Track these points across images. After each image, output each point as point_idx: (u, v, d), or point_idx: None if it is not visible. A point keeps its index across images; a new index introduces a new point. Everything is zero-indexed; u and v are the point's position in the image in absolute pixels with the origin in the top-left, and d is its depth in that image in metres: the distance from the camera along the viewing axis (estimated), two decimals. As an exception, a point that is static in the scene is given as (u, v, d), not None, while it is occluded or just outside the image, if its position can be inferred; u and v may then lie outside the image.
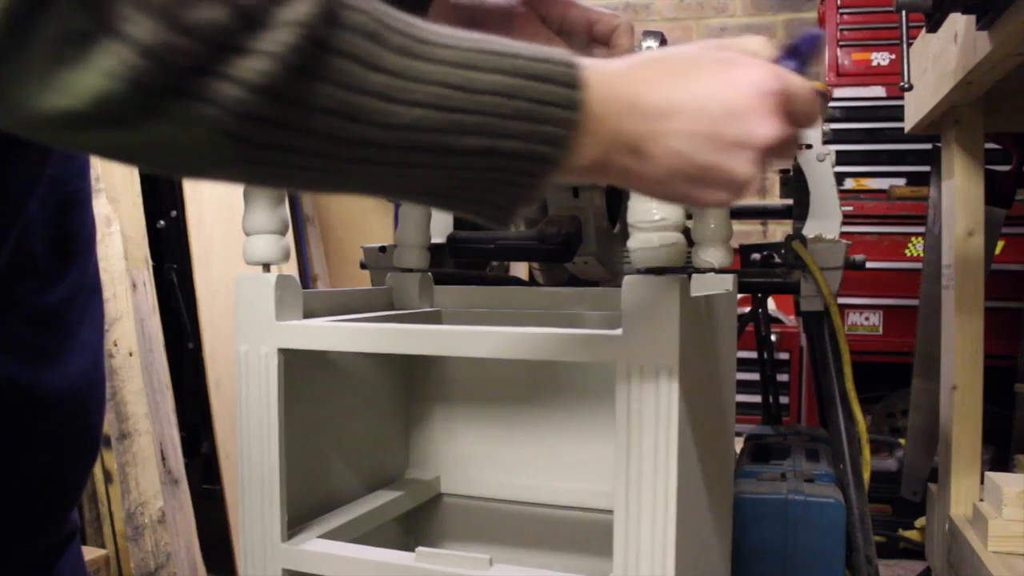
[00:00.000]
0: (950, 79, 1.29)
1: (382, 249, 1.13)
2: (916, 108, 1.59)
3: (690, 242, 0.81)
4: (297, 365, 0.81)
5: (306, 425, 0.84)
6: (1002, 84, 1.28)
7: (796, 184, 1.08)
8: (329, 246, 2.38)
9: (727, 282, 0.87)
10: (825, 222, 1.06)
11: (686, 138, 0.50)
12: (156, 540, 1.58)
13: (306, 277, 2.22)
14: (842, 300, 2.07)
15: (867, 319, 2.29)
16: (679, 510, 0.66)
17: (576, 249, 1.00)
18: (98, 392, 0.81)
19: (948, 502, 1.45)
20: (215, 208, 1.88)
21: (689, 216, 0.82)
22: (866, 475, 1.06)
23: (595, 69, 0.49)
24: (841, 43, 2.45)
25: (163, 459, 1.63)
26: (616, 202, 1.09)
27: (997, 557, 1.24)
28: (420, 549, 0.75)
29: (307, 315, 0.82)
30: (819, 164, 1.07)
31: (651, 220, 0.70)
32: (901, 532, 1.97)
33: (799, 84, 0.53)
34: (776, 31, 3.13)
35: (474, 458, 1.03)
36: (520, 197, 0.50)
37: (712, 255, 0.87)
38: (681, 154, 0.50)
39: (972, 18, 1.09)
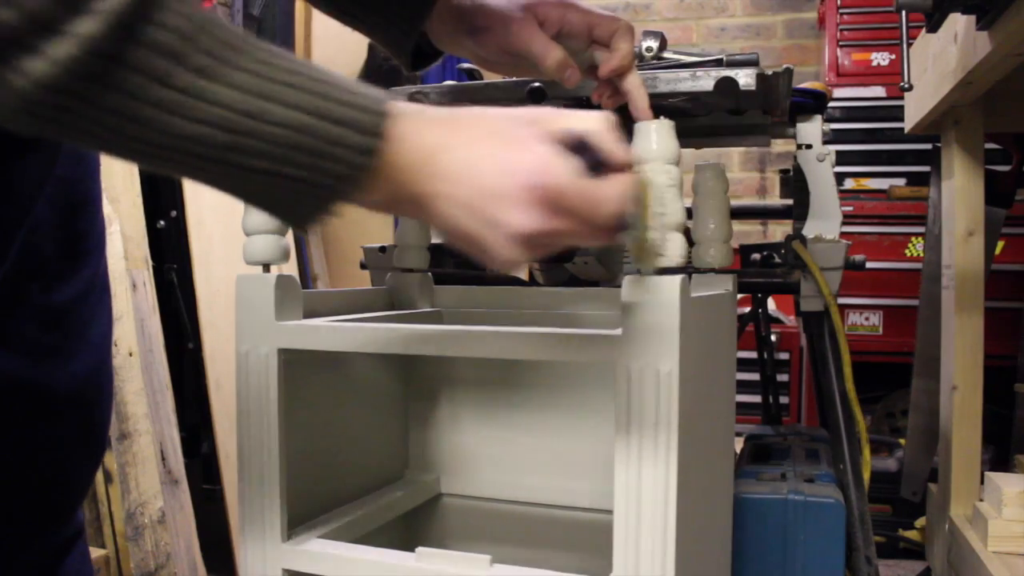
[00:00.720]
0: (950, 79, 1.29)
1: (382, 249, 1.13)
2: (916, 108, 1.59)
3: (690, 242, 0.81)
4: (297, 365, 0.81)
5: (306, 425, 0.84)
6: (1002, 84, 1.28)
7: (796, 184, 1.08)
8: (329, 246, 2.38)
9: (727, 282, 0.87)
10: (825, 222, 1.06)
11: (455, 205, 0.53)
12: (156, 540, 1.58)
13: (306, 277, 2.22)
14: (842, 300, 2.07)
15: (867, 319, 2.29)
16: (679, 510, 0.66)
17: (576, 249, 1.00)
18: (106, 391, 0.82)
19: (948, 502, 1.45)
20: (215, 208, 1.87)
21: (689, 216, 0.82)
22: (866, 475, 1.06)
23: (409, 118, 0.52)
24: (841, 43, 2.45)
25: (163, 459, 1.63)
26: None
27: (997, 557, 1.24)
28: (420, 549, 0.75)
29: (307, 315, 0.82)
30: (819, 164, 1.07)
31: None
32: (901, 532, 1.97)
33: (575, 184, 0.51)
34: (776, 31, 3.12)
35: (474, 458, 1.03)
36: (314, 213, 0.53)
37: (712, 255, 0.87)
38: (453, 217, 0.53)
39: (972, 18, 1.09)
